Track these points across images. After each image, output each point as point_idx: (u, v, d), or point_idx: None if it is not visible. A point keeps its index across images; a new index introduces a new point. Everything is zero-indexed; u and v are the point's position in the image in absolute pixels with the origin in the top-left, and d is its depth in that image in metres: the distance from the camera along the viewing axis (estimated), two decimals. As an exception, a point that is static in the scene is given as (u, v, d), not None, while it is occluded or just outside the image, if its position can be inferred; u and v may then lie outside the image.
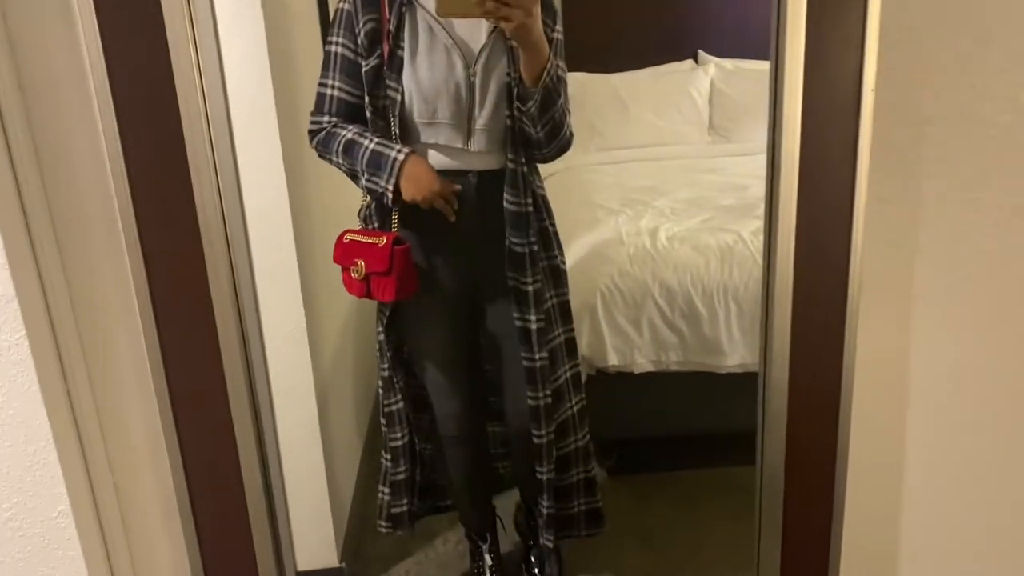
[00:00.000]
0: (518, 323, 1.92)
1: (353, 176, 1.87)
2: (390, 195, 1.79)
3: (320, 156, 1.90)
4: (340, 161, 1.85)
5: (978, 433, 1.38)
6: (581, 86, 4.06)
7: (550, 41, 1.77)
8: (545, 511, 2.06)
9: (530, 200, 1.86)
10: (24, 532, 1.16)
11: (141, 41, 1.08)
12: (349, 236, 1.90)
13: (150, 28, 1.07)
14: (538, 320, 1.90)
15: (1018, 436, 1.38)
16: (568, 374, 2.06)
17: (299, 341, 2.14)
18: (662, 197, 3.28)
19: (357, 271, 1.85)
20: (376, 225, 1.91)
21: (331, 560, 2.32)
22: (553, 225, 1.99)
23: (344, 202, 2.27)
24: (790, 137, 1.13)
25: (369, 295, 1.88)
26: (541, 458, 2.01)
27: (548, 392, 1.96)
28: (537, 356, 1.92)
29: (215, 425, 1.24)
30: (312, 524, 2.27)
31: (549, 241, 1.97)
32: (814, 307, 1.20)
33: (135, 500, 1.25)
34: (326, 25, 2.59)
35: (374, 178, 1.80)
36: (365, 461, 2.84)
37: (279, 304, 2.09)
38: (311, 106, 1.89)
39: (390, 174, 1.78)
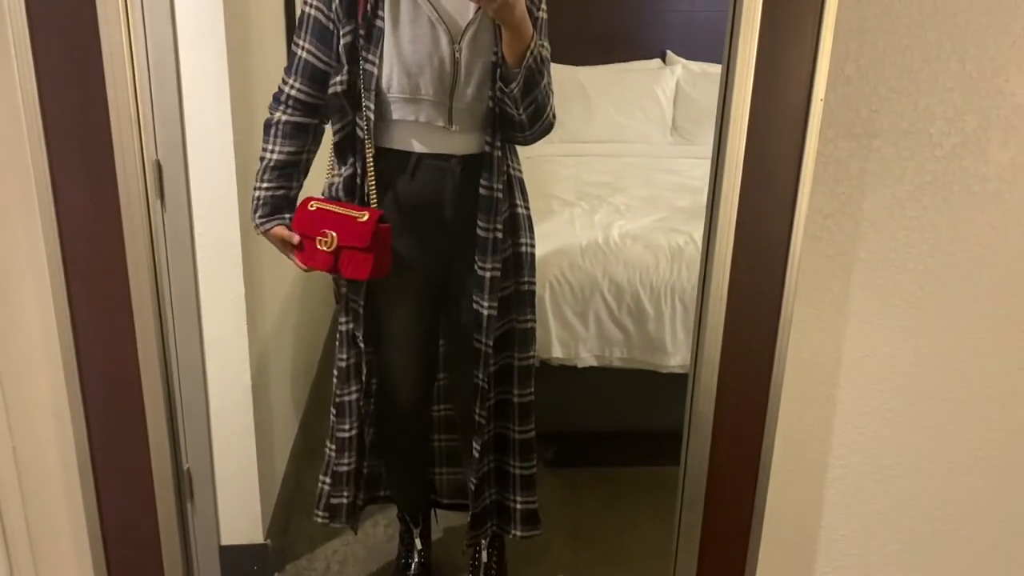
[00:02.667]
0: (474, 306, 1.90)
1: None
2: (262, 227, 1.87)
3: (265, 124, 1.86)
4: (262, 153, 1.86)
5: (902, 446, 1.40)
6: (547, 76, 4.04)
7: (535, 20, 1.75)
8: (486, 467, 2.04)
9: (501, 185, 1.83)
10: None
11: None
12: (316, 204, 1.82)
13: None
14: (490, 307, 1.88)
15: (939, 454, 1.40)
16: (517, 363, 2.03)
17: (237, 309, 2.10)
18: (618, 194, 3.29)
19: (327, 243, 1.77)
20: (342, 199, 1.85)
21: (256, 536, 2.28)
22: (526, 209, 1.97)
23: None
24: (735, 141, 1.12)
25: (335, 269, 1.81)
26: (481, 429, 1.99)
27: (489, 375, 1.95)
28: (484, 340, 1.91)
29: (123, 395, 1.20)
30: (239, 498, 2.23)
31: (518, 226, 1.94)
32: (748, 314, 1.20)
33: (35, 466, 1.21)
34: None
35: (256, 216, 1.87)
36: (300, 438, 2.80)
37: (218, 271, 2.04)
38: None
39: (257, 226, 1.87)
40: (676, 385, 2.74)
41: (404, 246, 1.88)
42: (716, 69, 4.18)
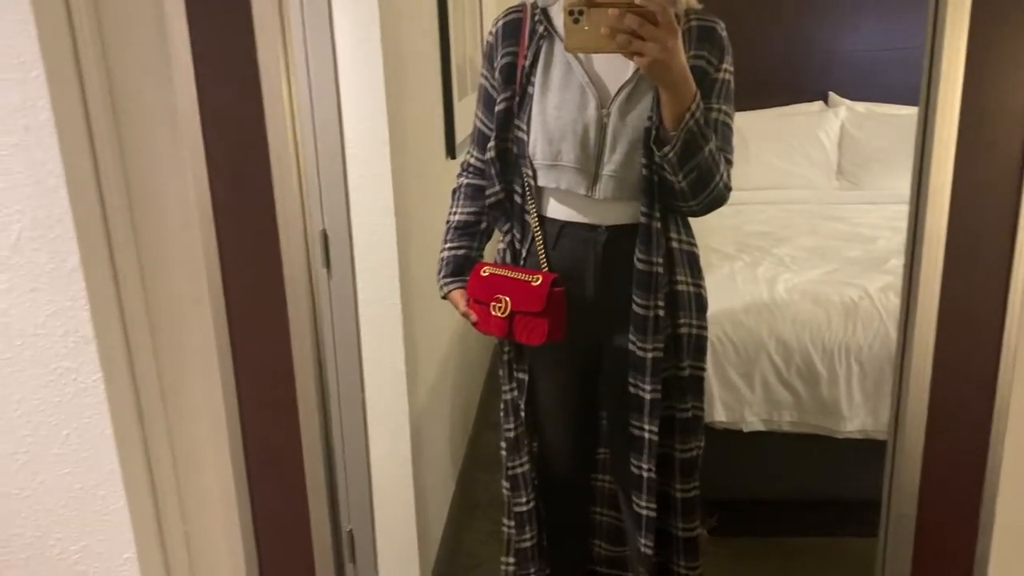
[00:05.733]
0: (631, 389, 1.79)
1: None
2: (444, 289, 1.93)
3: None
4: (448, 217, 1.95)
5: None
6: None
7: (713, 81, 1.66)
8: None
9: (661, 259, 1.71)
10: (89, 577, 1.14)
11: (234, 84, 1.05)
12: (489, 270, 1.80)
13: (243, 72, 1.04)
14: (653, 390, 1.76)
15: None
16: (679, 455, 1.87)
17: (397, 372, 2.12)
18: (782, 244, 3.13)
19: (500, 308, 1.75)
20: (509, 264, 1.84)
21: (417, 599, 2.27)
22: (694, 287, 1.81)
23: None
24: (936, 212, 0.99)
25: (510, 335, 1.77)
26: (641, 530, 1.88)
27: (654, 465, 1.82)
28: (647, 427, 1.79)
29: (288, 478, 1.20)
30: (399, 558, 2.23)
31: (679, 305, 1.78)
32: (953, 427, 1.04)
33: (205, 549, 1.22)
34: (447, 68, 2.59)
35: (440, 276, 1.93)
36: (458, 496, 2.79)
37: (380, 335, 2.07)
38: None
39: (441, 288, 1.93)
40: (854, 451, 2.56)
41: None
42: (884, 109, 4.06)
